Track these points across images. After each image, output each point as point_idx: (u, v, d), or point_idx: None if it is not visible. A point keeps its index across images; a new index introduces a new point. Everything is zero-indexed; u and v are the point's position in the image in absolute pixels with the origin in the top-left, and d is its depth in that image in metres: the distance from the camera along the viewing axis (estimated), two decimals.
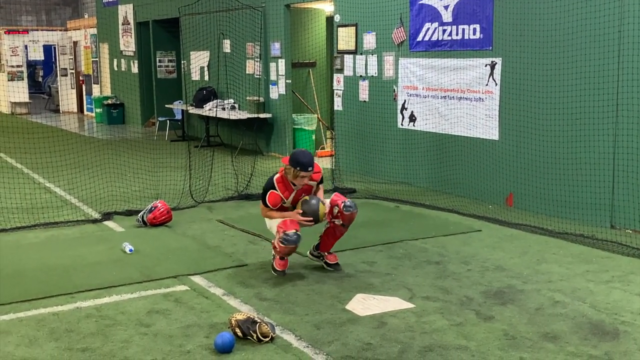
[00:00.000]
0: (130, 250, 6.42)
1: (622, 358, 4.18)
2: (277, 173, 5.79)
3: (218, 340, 4.29)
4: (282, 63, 12.31)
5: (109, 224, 7.63)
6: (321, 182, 5.94)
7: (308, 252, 6.08)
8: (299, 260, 6.22)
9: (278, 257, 5.79)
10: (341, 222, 5.82)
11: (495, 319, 4.81)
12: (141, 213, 7.54)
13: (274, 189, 5.70)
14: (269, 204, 5.70)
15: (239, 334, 4.41)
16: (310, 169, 5.63)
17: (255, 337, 4.39)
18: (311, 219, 5.67)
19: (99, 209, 8.23)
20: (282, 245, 5.59)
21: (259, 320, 4.46)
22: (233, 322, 4.46)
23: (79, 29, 21.57)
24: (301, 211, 5.68)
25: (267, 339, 4.41)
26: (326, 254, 5.98)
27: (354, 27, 10.45)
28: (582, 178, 7.37)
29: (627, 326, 4.66)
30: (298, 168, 5.61)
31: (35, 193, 9.07)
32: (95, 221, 7.71)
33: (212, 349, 4.32)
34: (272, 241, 5.83)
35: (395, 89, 9.80)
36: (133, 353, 4.30)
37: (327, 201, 5.83)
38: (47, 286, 5.50)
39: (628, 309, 4.99)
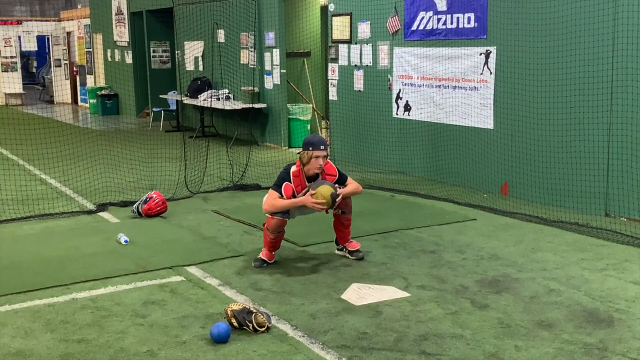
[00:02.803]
0: (126, 241, 6.41)
1: (616, 345, 4.20)
2: (294, 164, 5.72)
3: (214, 330, 4.30)
4: (276, 53, 12.28)
5: (104, 215, 7.62)
6: (342, 181, 5.81)
7: (335, 250, 6.10)
8: (294, 250, 6.22)
9: (267, 248, 5.81)
10: (340, 210, 5.81)
11: (490, 307, 4.83)
12: (136, 204, 7.53)
13: (290, 181, 5.62)
14: (283, 194, 5.60)
15: (235, 324, 4.41)
16: (322, 147, 5.57)
17: (251, 327, 4.40)
18: (324, 201, 5.49)
19: (94, 200, 8.21)
20: (271, 216, 5.59)
21: (254, 310, 4.47)
22: (229, 312, 4.47)
23: (73, 20, 21.49)
24: (314, 192, 5.52)
25: (263, 329, 4.41)
26: (347, 244, 5.98)
27: (349, 17, 10.42)
28: (577, 166, 7.39)
29: (622, 314, 4.68)
30: (310, 148, 5.56)
31: (29, 184, 9.05)
32: (90, 212, 7.70)
33: (208, 339, 4.32)
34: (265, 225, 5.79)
35: (390, 78, 9.79)
36: (129, 344, 4.31)
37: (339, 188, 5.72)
38: (42, 277, 5.49)
39: (622, 296, 5.01)
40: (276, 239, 5.77)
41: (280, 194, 5.61)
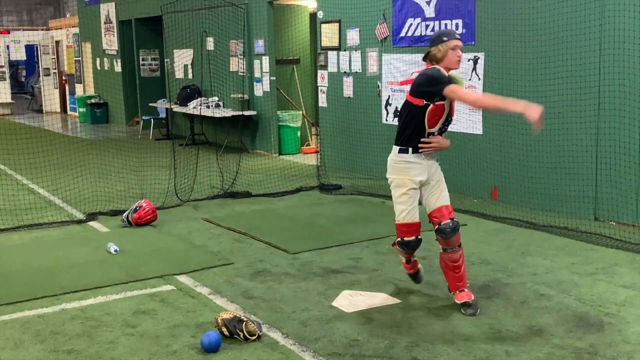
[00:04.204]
0: (115, 251, 6.39)
1: (607, 349, 4.21)
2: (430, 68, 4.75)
3: (204, 339, 4.28)
4: (266, 60, 12.29)
5: (94, 224, 7.59)
6: None
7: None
8: (285, 257, 6.21)
9: (404, 260, 5.17)
10: (441, 247, 4.93)
11: (481, 312, 4.83)
12: (126, 213, 7.50)
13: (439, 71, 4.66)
14: (445, 73, 4.65)
15: (226, 333, 4.40)
16: (458, 36, 4.72)
17: (242, 336, 4.39)
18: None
19: (84, 209, 8.18)
20: (400, 250, 4.99)
21: (245, 319, 4.46)
22: (219, 321, 4.45)
23: (61, 29, 21.43)
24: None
25: (254, 338, 4.40)
26: (456, 293, 4.89)
27: (337, 24, 10.45)
28: (566, 171, 7.42)
29: (612, 318, 4.70)
30: (445, 39, 4.62)
31: (18, 194, 9.01)
32: (79, 222, 7.67)
33: (198, 349, 4.31)
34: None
35: (379, 84, 9.81)
36: (119, 354, 4.28)
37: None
38: (32, 288, 5.46)
39: (612, 300, 5.02)
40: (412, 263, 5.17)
41: (448, 81, 4.61)
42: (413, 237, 4.86)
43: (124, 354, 4.28)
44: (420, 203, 4.94)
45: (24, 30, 22.91)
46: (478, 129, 8.43)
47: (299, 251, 6.36)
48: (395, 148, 4.93)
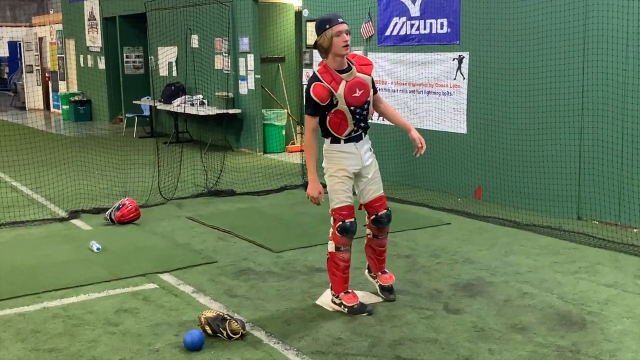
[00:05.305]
0: (98, 249, 6.34)
1: (589, 348, 4.23)
2: (317, 67, 4.79)
3: (187, 338, 4.26)
4: (251, 58, 12.26)
5: (76, 222, 7.53)
6: (374, 88, 5.07)
7: (366, 272, 5.27)
8: (269, 256, 6.20)
9: (343, 291, 4.90)
10: (371, 234, 5.06)
11: (464, 311, 4.84)
12: (109, 211, 7.45)
13: (318, 80, 4.66)
14: (315, 98, 4.64)
15: (209, 331, 4.38)
16: (340, 20, 4.65)
17: (225, 335, 4.37)
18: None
19: (66, 207, 8.12)
20: (339, 235, 4.80)
21: (228, 318, 4.44)
22: (202, 319, 4.43)
23: (45, 25, 21.27)
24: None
25: (237, 336, 4.39)
26: (379, 274, 5.13)
27: None
28: (549, 170, 7.46)
29: (594, 316, 4.72)
30: (327, 26, 4.59)
31: (0, 192, 8.92)
32: (62, 220, 7.61)
33: (181, 347, 4.28)
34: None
35: None
36: (101, 353, 4.25)
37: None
38: (13, 286, 5.41)
39: (595, 299, 5.05)
40: (348, 261, 4.89)
41: (314, 112, 4.72)
42: (353, 219, 4.85)
43: (106, 353, 4.25)
44: (353, 193, 4.97)
45: (6, 26, 22.71)
46: (462, 129, 8.45)
47: (283, 250, 6.35)
48: (327, 139, 4.93)
